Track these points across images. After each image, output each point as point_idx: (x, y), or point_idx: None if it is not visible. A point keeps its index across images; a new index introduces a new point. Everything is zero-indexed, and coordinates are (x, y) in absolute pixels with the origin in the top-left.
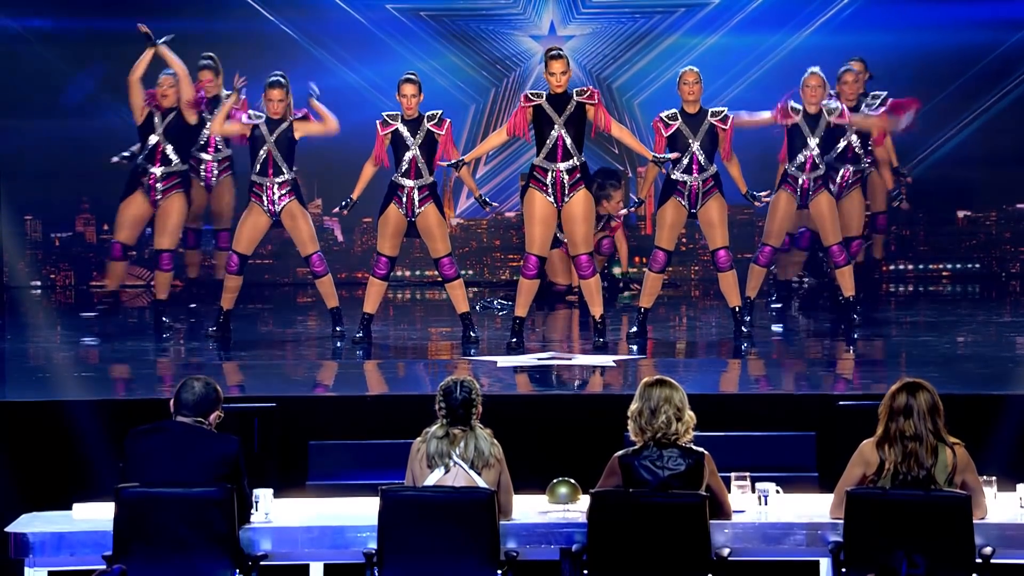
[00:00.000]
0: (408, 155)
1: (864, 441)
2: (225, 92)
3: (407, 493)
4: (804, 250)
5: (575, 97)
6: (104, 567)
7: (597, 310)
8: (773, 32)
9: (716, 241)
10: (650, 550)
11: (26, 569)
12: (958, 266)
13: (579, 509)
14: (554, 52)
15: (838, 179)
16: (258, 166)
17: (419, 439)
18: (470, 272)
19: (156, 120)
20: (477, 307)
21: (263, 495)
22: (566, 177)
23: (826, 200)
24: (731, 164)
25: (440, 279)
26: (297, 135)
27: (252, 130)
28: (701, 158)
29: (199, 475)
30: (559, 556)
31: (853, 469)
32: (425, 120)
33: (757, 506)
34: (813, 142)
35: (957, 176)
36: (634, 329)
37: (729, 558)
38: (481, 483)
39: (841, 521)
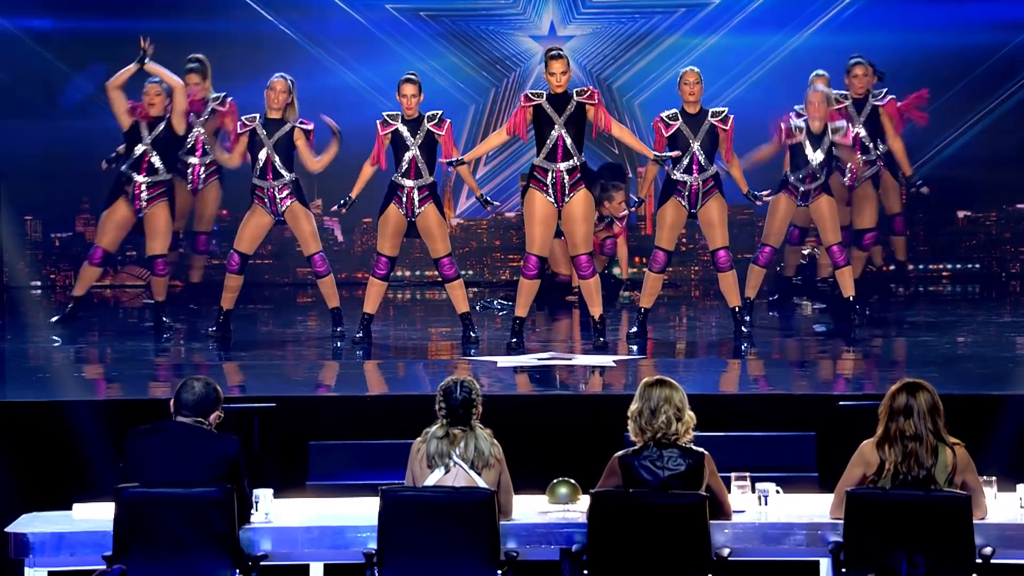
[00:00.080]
0: (408, 155)
1: (864, 441)
2: (214, 95)
3: (407, 493)
4: (796, 246)
5: (575, 97)
6: (104, 567)
7: (596, 310)
8: (774, 32)
9: (716, 241)
10: (650, 550)
11: (26, 569)
12: (958, 266)
13: (579, 509)
14: (554, 52)
15: (847, 173)
16: (258, 170)
17: (419, 439)
18: (470, 272)
19: (144, 130)
20: (477, 307)
21: (263, 495)
22: (566, 177)
23: (826, 202)
24: (732, 164)
25: (440, 279)
26: (296, 142)
27: (250, 134)
28: (701, 158)
29: (199, 475)
30: (559, 556)
31: (853, 469)
32: (425, 120)
33: (757, 506)
34: (815, 158)
35: (957, 176)
36: (634, 329)
37: (729, 558)
38: (481, 483)
39: (841, 521)
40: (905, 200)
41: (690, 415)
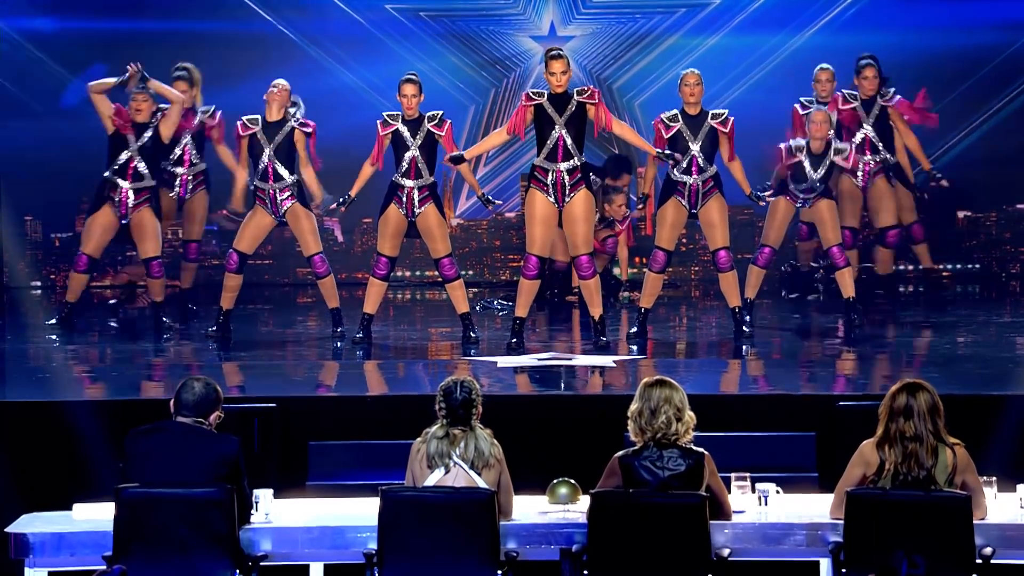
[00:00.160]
0: (408, 155)
1: (864, 441)
2: (202, 109)
3: (407, 493)
4: (806, 241)
5: (575, 97)
6: (104, 567)
7: (597, 311)
8: (775, 32)
9: (717, 241)
10: (650, 550)
11: (26, 569)
12: (958, 266)
13: (579, 509)
14: (554, 52)
15: (859, 173)
16: (259, 172)
17: (419, 439)
18: (470, 272)
19: (130, 136)
20: (477, 308)
21: (263, 495)
22: (566, 177)
23: (826, 204)
24: (734, 166)
25: (440, 279)
26: (296, 143)
27: (250, 138)
28: (700, 160)
29: (199, 475)
30: (559, 556)
31: (853, 469)
32: (426, 120)
33: (757, 506)
34: (815, 175)
35: (958, 177)
36: (634, 329)
37: (729, 558)
38: (481, 483)
39: (841, 521)
40: (919, 205)
41: (690, 415)
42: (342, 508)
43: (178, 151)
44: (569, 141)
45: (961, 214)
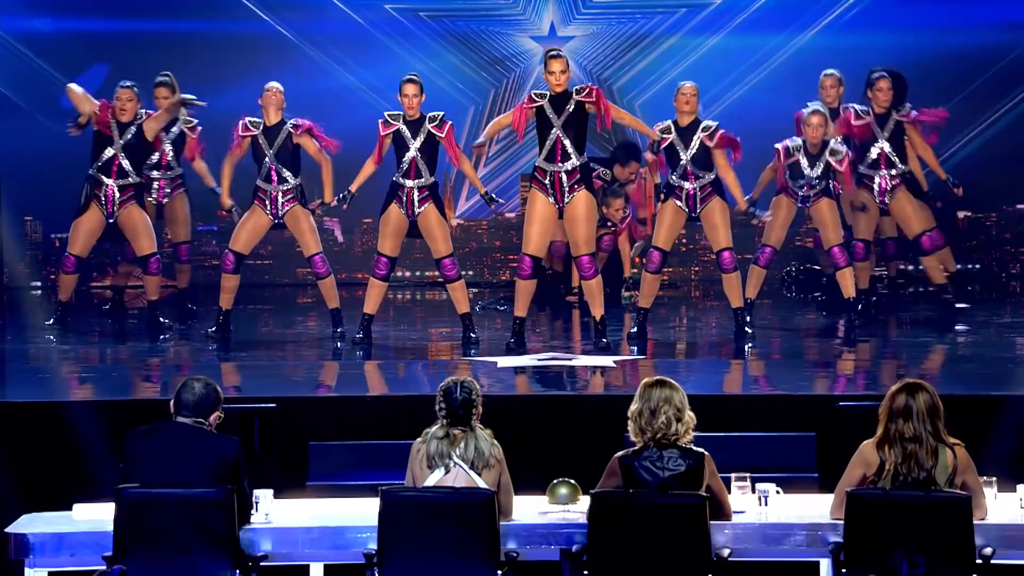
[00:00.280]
0: (408, 156)
1: (864, 442)
2: (185, 119)
3: (407, 494)
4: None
5: (574, 96)
6: (104, 568)
7: (598, 311)
8: (776, 33)
9: (720, 242)
10: (650, 551)
11: (26, 570)
12: (958, 266)
13: (579, 510)
14: (553, 52)
15: (876, 188)
16: (263, 174)
17: (419, 440)
18: (470, 272)
19: (114, 133)
20: (477, 308)
21: (263, 496)
22: (565, 178)
23: (827, 204)
24: (727, 177)
25: (441, 279)
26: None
27: (252, 141)
28: (693, 169)
29: (199, 476)
30: (559, 557)
31: (853, 470)
32: (427, 121)
33: (757, 507)
34: (812, 173)
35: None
36: (634, 329)
37: (729, 559)
38: (481, 484)
39: (841, 522)
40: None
41: (690, 415)
42: (342, 508)
43: (156, 156)
44: (567, 142)
45: (961, 214)
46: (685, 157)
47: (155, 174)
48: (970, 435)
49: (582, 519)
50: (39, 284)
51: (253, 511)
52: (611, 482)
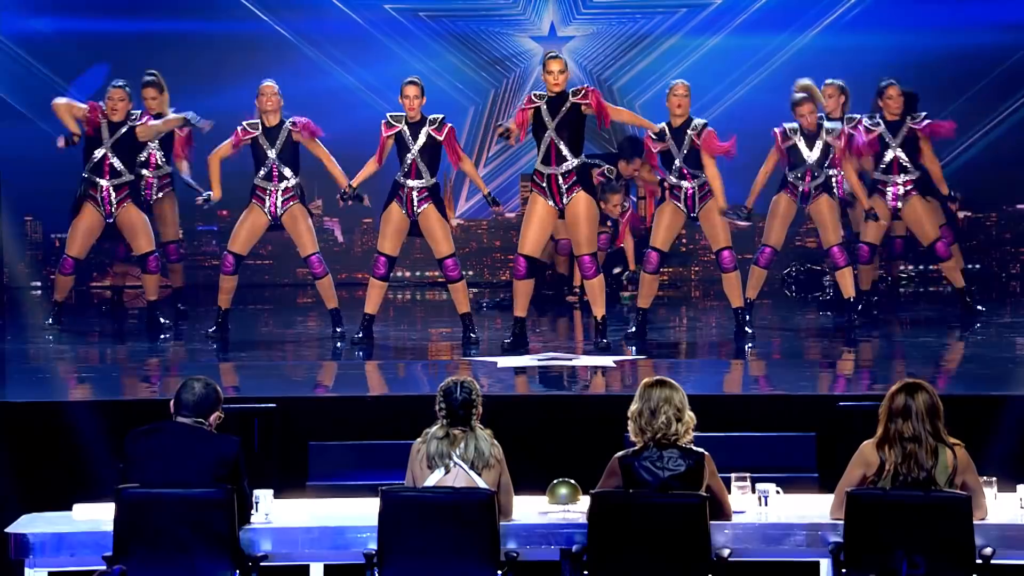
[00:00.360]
0: (409, 157)
1: (864, 442)
2: (173, 114)
3: (407, 494)
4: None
5: (570, 98)
6: (104, 568)
7: (599, 311)
8: (777, 33)
9: (719, 242)
10: (650, 551)
11: (26, 570)
12: None
13: (579, 510)
14: (552, 53)
15: (888, 194)
16: (263, 172)
17: (419, 440)
18: (470, 272)
19: (104, 133)
20: (484, 307)
21: (263, 496)
22: (561, 180)
23: (826, 202)
24: (711, 176)
25: (442, 279)
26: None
27: (252, 142)
28: (688, 169)
29: (199, 476)
30: (559, 557)
31: (853, 470)
32: (427, 124)
33: (757, 507)
34: (811, 157)
35: (958, 177)
36: (633, 330)
37: (729, 559)
38: (481, 484)
39: (841, 522)
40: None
41: (690, 415)
42: (342, 508)
43: (144, 154)
44: (562, 144)
45: (961, 214)
46: (679, 158)
47: (144, 172)
48: (970, 435)
49: (582, 519)
50: (39, 284)
51: (253, 511)
52: (611, 482)
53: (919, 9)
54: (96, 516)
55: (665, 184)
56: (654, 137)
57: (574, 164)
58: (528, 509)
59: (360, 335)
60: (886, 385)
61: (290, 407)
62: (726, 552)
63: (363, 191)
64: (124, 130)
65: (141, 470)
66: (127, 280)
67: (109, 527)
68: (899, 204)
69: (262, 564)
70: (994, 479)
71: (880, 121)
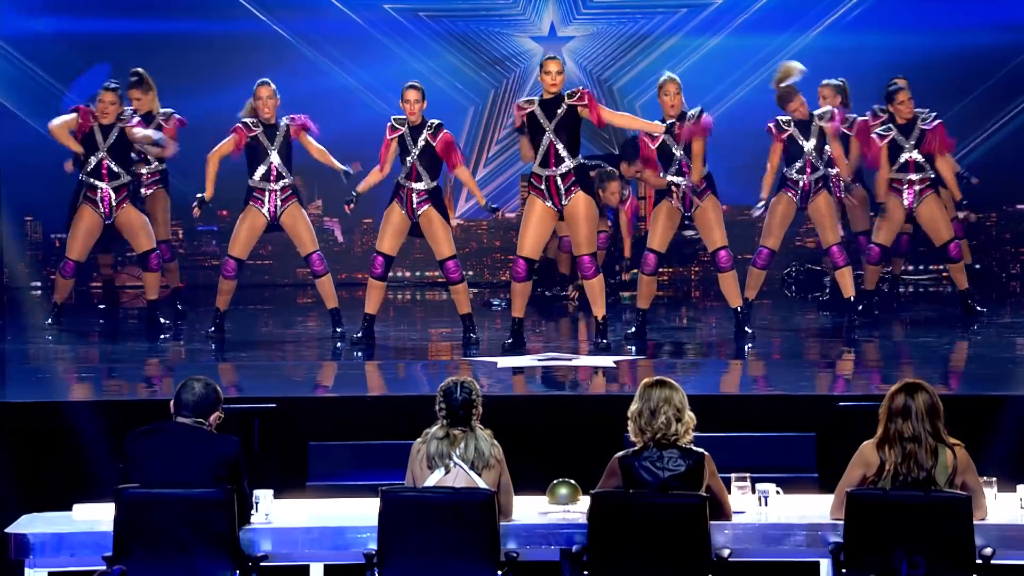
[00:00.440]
0: (409, 160)
1: (864, 442)
2: (162, 110)
3: (407, 494)
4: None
5: (566, 100)
6: (104, 568)
7: (599, 311)
8: (778, 33)
9: (715, 242)
10: (650, 551)
11: (26, 570)
12: None
13: (579, 510)
14: (550, 54)
15: (904, 194)
16: (261, 173)
17: (419, 440)
18: (470, 273)
19: (98, 137)
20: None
21: (263, 496)
22: (560, 182)
23: (825, 201)
24: (695, 149)
25: (442, 279)
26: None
27: (251, 141)
28: (688, 162)
29: (199, 476)
30: (559, 557)
31: (853, 470)
32: (426, 128)
33: (757, 507)
34: (808, 146)
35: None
36: (633, 330)
37: (729, 559)
38: (481, 484)
39: (841, 522)
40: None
41: (690, 416)
42: (342, 508)
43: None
44: (560, 146)
45: (961, 214)
46: (678, 152)
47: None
48: (970, 435)
49: (582, 519)
50: (39, 284)
51: (253, 511)
52: (611, 482)
53: (921, 9)
54: (96, 516)
55: (672, 188)
56: (647, 139)
57: (572, 165)
58: (528, 509)
59: (360, 335)
60: (886, 385)
61: (290, 407)
62: (726, 552)
63: (368, 193)
64: (116, 133)
65: (141, 470)
66: (119, 279)
67: (109, 527)
68: (915, 204)
69: (262, 564)
70: (994, 479)
71: (891, 126)
